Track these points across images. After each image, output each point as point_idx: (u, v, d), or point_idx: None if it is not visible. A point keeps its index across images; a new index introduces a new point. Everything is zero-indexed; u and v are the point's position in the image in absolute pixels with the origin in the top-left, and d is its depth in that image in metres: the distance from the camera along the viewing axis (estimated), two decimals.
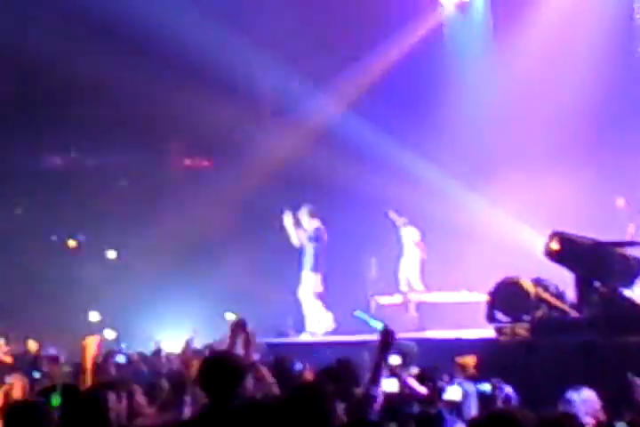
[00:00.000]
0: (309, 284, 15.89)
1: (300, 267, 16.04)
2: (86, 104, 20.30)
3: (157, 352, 14.33)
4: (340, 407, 5.26)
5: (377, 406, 7.00)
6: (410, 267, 17.48)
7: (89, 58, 18.60)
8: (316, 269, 15.88)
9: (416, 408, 7.87)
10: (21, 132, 19.76)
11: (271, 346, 13.40)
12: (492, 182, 18.00)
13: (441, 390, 8.37)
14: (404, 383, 8.29)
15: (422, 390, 8.63)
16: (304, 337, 15.77)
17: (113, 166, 21.97)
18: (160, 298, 19.68)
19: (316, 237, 15.87)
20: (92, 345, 8.15)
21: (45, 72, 18.89)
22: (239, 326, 7.86)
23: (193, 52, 18.13)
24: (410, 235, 17.16)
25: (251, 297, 18.28)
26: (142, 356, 13.89)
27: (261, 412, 5.17)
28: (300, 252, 16.10)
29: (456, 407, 7.87)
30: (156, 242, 19.53)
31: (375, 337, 12.03)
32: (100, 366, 10.50)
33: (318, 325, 15.79)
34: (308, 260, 15.90)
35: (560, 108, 18.38)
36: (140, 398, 8.03)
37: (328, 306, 15.92)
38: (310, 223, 15.96)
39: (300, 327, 16.20)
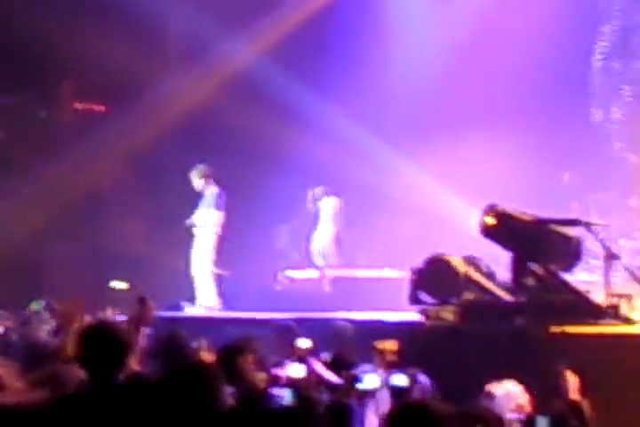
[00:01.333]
0: (205, 254, 16.06)
1: None
2: None
3: (27, 321, 14.31)
4: (228, 391, 5.27)
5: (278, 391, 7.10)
6: (326, 239, 17.56)
7: None
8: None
9: (326, 397, 7.91)
10: None
11: (165, 320, 13.38)
12: (426, 149, 18.06)
13: (355, 379, 8.43)
14: (311, 370, 8.35)
15: (333, 377, 8.71)
16: (200, 311, 15.78)
17: (14, 105, 21.66)
18: (32, 263, 19.46)
19: (216, 204, 15.91)
20: None
21: None
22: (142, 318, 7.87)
23: None
24: (329, 205, 17.20)
25: (143, 263, 18.20)
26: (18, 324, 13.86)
27: (145, 393, 5.19)
28: None
29: (371, 398, 7.94)
30: (34, 196, 19.32)
31: (282, 316, 12.25)
32: None
33: (211, 298, 15.92)
34: (206, 227, 16.01)
35: (503, 71, 18.56)
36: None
37: (231, 279, 16.02)
38: (205, 187, 16.03)
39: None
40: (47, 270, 19.09)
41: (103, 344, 5.52)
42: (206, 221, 15.94)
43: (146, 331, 9.36)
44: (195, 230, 16.00)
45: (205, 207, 15.94)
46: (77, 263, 19.14)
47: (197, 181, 16.05)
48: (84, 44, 18.81)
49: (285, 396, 7.41)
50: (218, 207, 15.89)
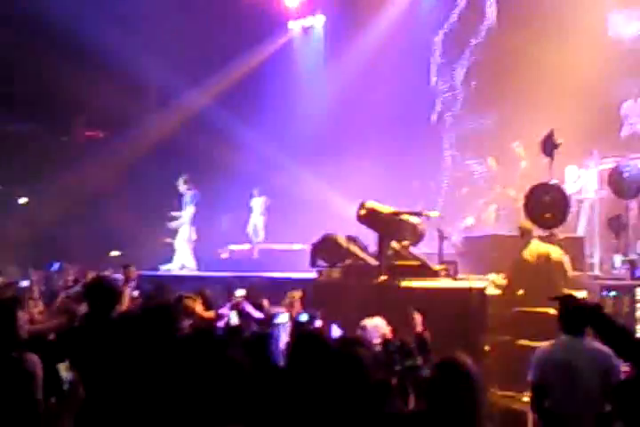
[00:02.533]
0: (185, 233, 16.27)
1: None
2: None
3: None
4: (186, 323, 5.40)
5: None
6: (257, 223, 17.70)
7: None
8: (192, 223, 16.31)
9: (254, 328, 8.03)
10: None
11: (147, 276, 13.51)
12: (323, 165, 18.12)
13: (273, 316, 8.54)
14: (243, 310, 8.44)
15: (258, 314, 8.80)
16: (174, 270, 16.05)
17: (26, 133, 21.40)
18: (56, 237, 19.41)
19: (192, 201, 16.23)
20: None
21: None
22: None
23: (96, 47, 17.45)
24: (259, 201, 17.41)
25: (132, 240, 18.14)
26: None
27: (130, 322, 5.27)
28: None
29: (283, 328, 8.06)
30: (58, 195, 19.20)
31: (226, 274, 12.26)
32: None
33: (187, 263, 16.20)
34: (186, 216, 16.22)
35: (373, 109, 18.59)
36: (34, 311, 8.17)
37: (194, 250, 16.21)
38: (186, 189, 16.28)
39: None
40: (66, 242, 18.90)
41: (101, 291, 5.60)
42: (186, 213, 16.21)
43: (131, 284, 9.48)
44: (179, 218, 16.31)
45: (187, 203, 16.26)
46: (87, 238, 19.00)
47: (182, 186, 16.27)
48: (91, 89, 18.73)
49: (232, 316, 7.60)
50: (193, 204, 16.21)
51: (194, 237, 16.39)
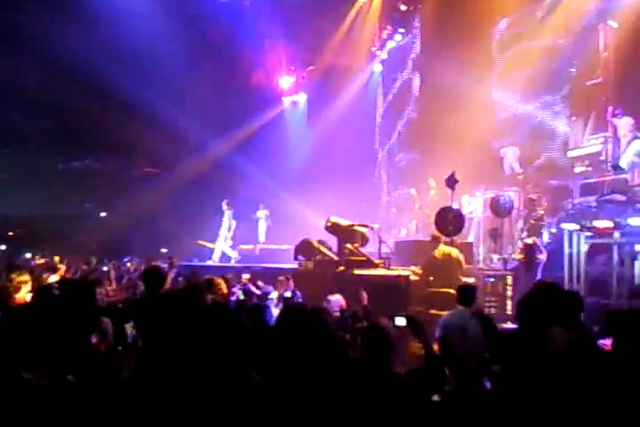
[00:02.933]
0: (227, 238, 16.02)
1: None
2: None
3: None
4: (209, 298, 5.39)
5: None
6: (260, 230, 17.57)
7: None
8: (229, 230, 16.12)
9: (255, 301, 7.97)
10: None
11: (186, 266, 13.40)
12: (301, 192, 18.01)
13: (267, 293, 8.50)
14: (248, 289, 8.40)
15: (258, 291, 8.75)
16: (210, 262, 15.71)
17: (106, 170, 21.32)
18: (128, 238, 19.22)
19: (231, 216, 16.06)
20: None
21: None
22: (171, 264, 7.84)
23: (152, 107, 17.12)
24: (263, 213, 17.28)
25: (175, 241, 18.00)
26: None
27: (171, 296, 5.26)
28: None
29: (274, 303, 8.02)
30: (126, 211, 19.09)
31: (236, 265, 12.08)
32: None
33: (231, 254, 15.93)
34: (225, 227, 16.06)
35: (337, 154, 18.63)
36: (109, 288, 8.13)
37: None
38: (227, 209, 16.06)
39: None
40: (132, 243, 18.80)
41: (152, 275, 5.60)
42: (225, 225, 16.04)
43: (174, 271, 9.42)
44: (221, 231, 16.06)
45: (227, 220, 16.03)
46: (145, 240, 18.82)
47: (225, 206, 16.04)
48: (148, 138, 18.59)
49: (240, 293, 7.54)
50: (231, 218, 16.06)
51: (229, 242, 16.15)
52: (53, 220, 18.05)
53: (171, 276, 8.10)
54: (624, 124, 11.34)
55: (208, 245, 16.49)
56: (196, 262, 15.87)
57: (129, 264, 15.54)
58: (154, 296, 5.41)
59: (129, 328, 5.80)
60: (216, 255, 15.93)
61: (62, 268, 10.16)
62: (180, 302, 4.83)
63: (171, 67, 17.54)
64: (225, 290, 8.12)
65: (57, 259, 14.08)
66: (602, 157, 12.64)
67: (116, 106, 17.47)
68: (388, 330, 3.60)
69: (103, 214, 21.07)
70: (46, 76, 16.32)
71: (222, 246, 15.99)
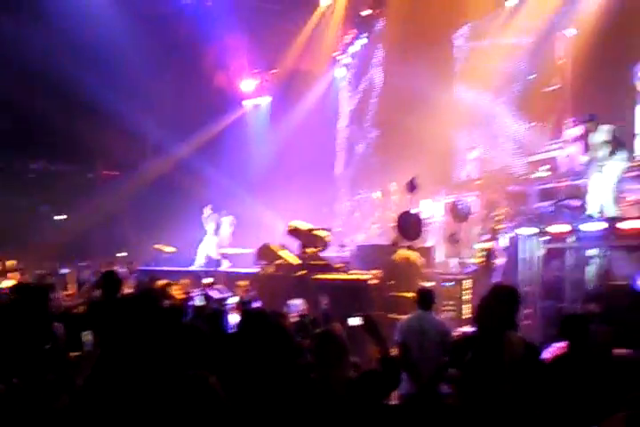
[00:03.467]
0: (212, 241, 15.71)
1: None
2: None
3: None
4: (166, 303, 5.32)
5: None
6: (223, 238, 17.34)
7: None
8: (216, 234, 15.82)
9: (214, 305, 7.89)
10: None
11: (143, 270, 13.18)
12: (265, 196, 17.92)
13: (226, 298, 8.43)
14: (207, 294, 8.32)
15: (218, 296, 8.68)
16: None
17: (65, 172, 20.93)
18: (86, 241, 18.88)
19: (216, 220, 15.88)
20: None
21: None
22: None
23: (115, 111, 16.84)
24: (229, 220, 17.03)
25: (133, 245, 17.77)
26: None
27: (125, 301, 5.18)
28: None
29: (233, 308, 7.96)
30: (84, 214, 18.71)
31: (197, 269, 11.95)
32: None
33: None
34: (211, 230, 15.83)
35: (299, 158, 18.54)
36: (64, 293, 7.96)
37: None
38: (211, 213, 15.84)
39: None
40: (90, 246, 18.41)
41: (109, 278, 5.51)
42: (210, 228, 15.81)
43: (133, 275, 9.30)
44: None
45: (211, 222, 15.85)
46: (103, 243, 18.46)
47: (208, 211, 15.82)
48: (109, 141, 18.13)
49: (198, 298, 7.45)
50: (215, 222, 15.90)
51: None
52: (7, 222, 17.60)
53: (130, 280, 8.01)
54: (569, 134, 11.68)
55: (165, 249, 16.23)
56: (154, 267, 15.61)
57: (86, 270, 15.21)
58: (110, 301, 5.32)
59: (87, 335, 5.69)
60: (200, 259, 15.46)
61: (16, 272, 9.92)
62: (136, 306, 4.76)
63: (132, 68, 17.27)
64: (182, 295, 8.07)
65: (10, 263, 13.75)
66: (559, 163, 12.91)
67: (75, 107, 17.13)
68: (340, 335, 3.62)
69: (60, 217, 20.65)
70: (2, 75, 15.88)
71: (210, 252, 15.58)
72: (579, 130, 11.42)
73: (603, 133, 8.62)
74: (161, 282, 8.22)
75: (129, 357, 4.34)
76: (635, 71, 10.39)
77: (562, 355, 4.61)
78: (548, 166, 13.12)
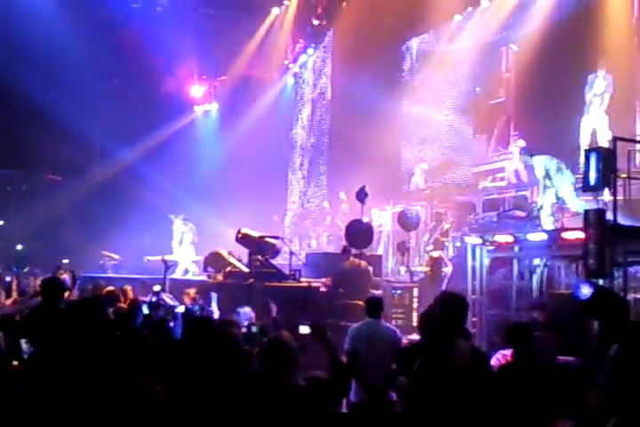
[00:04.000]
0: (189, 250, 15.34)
1: None
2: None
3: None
4: (110, 312, 5.12)
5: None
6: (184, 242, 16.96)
7: None
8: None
9: (161, 313, 7.72)
10: None
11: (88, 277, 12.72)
12: (216, 204, 17.69)
13: (174, 307, 8.25)
14: (161, 299, 8.12)
15: (170, 302, 8.49)
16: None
17: (6, 177, 20.30)
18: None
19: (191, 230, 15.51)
20: None
21: None
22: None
23: (61, 116, 16.35)
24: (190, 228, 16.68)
25: (77, 251, 17.22)
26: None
27: (67, 309, 5.03)
28: None
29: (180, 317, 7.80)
30: (27, 220, 18.19)
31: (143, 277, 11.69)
32: None
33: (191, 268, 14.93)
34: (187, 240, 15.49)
35: (248, 165, 18.60)
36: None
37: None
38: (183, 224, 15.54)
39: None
40: (31, 252, 17.82)
41: (51, 286, 5.35)
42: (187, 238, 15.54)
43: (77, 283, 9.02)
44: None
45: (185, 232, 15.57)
46: (46, 250, 17.77)
47: (180, 220, 15.56)
48: (55, 146, 17.66)
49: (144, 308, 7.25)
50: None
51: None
52: None
53: (73, 288, 7.77)
54: (514, 148, 12.05)
55: (113, 255, 15.88)
56: (98, 274, 15.22)
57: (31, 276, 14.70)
58: (51, 309, 5.15)
59: (24, 343, 5.50)
60: (181, 267, 14.89)
61: None
62: (77, 314, 4.61)
63: (78, 72, 16.93)
64: (122, 304, 7.85)
65: None
66: (502, 174, 13.23)
67: (19, 111, 16.74)
68: (289, 343, 3.59)
69: (0, 222, 20.00)
70: None
71: (183, 259, 15.05)
72: (522, 143, 11.78)
73: (540, 166, 8.90)
74: (107, 289, 8.01)
75: (68, 366, 4.21)
76: (586, 81, 10.74)
77: (507, 363, 4.68)
78: (491, 177, 13.46)
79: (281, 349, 3.54)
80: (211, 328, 4.00)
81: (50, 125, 16.80)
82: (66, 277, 10.51)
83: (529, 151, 9.58)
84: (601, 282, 6.26)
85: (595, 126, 10.69)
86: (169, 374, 3.76)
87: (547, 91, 12.38)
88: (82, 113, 17.07)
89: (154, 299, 8.13)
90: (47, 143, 17.61)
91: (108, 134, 18.45)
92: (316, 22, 19.08)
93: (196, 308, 8.24)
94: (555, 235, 7.91)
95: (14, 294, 9.33)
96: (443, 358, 3.97)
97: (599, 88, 10.66)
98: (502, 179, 13.05)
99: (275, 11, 19.15)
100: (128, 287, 8.76)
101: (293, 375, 3.53)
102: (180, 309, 7.71)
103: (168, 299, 8.61)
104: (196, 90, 21.45)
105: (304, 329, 4.04)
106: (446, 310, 4.20)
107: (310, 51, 19.89)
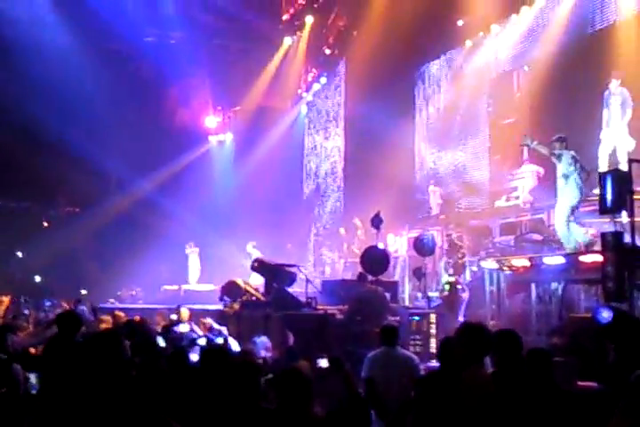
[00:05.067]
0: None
1: None
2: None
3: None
4: (127, 344, 5.04)
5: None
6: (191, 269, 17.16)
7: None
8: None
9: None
10: None
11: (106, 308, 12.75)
12: (228, 230, 17.79)
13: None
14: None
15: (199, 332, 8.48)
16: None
17: (30, 209, 20.60)
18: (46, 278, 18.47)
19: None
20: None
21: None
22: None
23: (76, 149, 16.61)
24: (194, 252, 16.83)
25: (95, 282, 17.38)
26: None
27: (85, 345, 4.98)
28: None
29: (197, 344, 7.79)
30: (45, 250, 18.35)
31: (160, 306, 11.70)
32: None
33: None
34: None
35: (263, 194, 18.64)
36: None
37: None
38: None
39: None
40: (50, 282, 17.99)
41: (68, 319, 5.32)
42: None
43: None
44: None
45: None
46: (65, 280, 17.88)
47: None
48: (71, 178, 18.01)
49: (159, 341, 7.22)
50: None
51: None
52: None
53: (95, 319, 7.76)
54: (528, 170, 12.03)
55: (132, 293, 15.97)
56: (114, 305, 15.28)
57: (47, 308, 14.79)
58: (67, 343, 5.12)
59: (33, 378, 5.46)
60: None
61: None
62: (95, 348, 4.58)
63: (94, 104, 17.21)
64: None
65: None
66: (517, 193, 13.16)
67: (37, 143, 16.98)
68: (306, 373, 3.55)
69: (20, 254, 20.20)
70: None
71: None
72: (535, 166, 11.74)
73: (568, 156, 8.77)
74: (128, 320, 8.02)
75: (85, 402, 4.18)
76: (602, 98, 10.72)
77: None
78: (506, 197, 13.38)
79: (297, 378, 3.52)
80: (230, 358, 3.97)
81: (66, 157, 17.02)
82: (84, 309, 10.61)
83: (530, 138, 9.44)
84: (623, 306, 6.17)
85: (615, 142, 10.56)
86: (186, 404, 3.74)
87: (560, 110, 12.41)
88: (98, 144, 17.30)
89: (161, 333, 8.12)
90: (64, 175, 17.89)
91: (123, 165, 18.61)
92: (327, 51, 19.35)
93: (216, 338, 8.22)
94: (572, 258, 7.84)
95: (30, 327, 9.37)
96: (451, 388, 3.89)
97: (616, 102, 10.60)
98: (517, 198, 12.99)
99: (287, 41, 19.45)
100: (136, 318, 8.77)
101: (310, 405, 3.50)
102: (202, 341, 7.71)
103: (198, 328, 8.62)
104: (211, 120, 21.75)
105: (323, 363, 4.01)
106: (463, 340, 4.13)
107: (323, 79, 20.13)
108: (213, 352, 4.62)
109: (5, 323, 8.52)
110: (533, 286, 8.51)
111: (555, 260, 7.93)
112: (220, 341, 8.12)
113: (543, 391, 3.93)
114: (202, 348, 7.30)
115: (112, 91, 17.06)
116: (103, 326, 8.14)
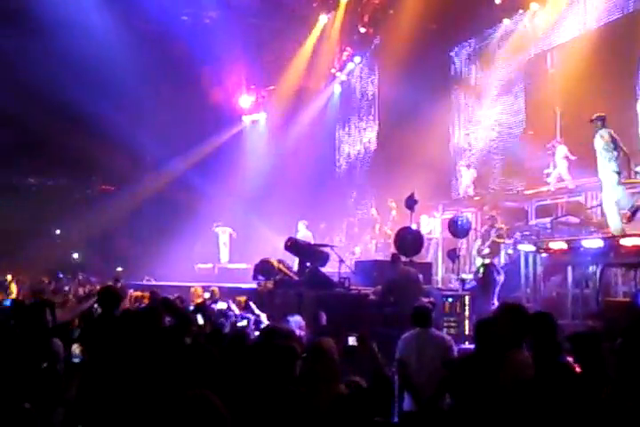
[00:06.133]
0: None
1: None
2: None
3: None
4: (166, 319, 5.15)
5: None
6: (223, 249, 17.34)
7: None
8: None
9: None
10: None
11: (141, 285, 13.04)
12: (262, 209, 17.84)
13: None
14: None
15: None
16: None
17: (62, 187, 20.92)
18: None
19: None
20: None
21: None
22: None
23: (111, 127, 16.85)
24: (225, 232, 16.99)
25: (132, 259, 17.67)
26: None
27: (126, 318, 5.09)
28: None
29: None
30: (82, 228, 18.71)
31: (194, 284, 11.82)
32: None
33: None
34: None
35: (296, 172, 18.72)
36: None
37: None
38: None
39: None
40: (88, 259, 18.35)
41: (108, 294, 5.43)
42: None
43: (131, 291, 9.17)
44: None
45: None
46: (102, 257, 18.47)
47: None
48: (106, 157, 18.29)
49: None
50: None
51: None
52: (5, 236, 17.55)
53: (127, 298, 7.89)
54: (559, 151, 11.77)
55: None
56: (150, 282, 15.54)
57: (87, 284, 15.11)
58: (108, 317, 5.25)
59: (76, 348, 5.60)
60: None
61: (14, 287, 9.83)
62: (137, 323, 4.67)
63: (130, 84, 17.28)
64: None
65: (9, 277, 13.66)
66: (547, 170, 12.94)
67: (73, 122, 17.15)
68: (330, 350, 3.56)
69: (57, 231, 20.63)
70: (3, 91, 15.90)
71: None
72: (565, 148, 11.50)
73: (605, 134, 8.53)
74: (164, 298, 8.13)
75: (125, 374, 4.27)
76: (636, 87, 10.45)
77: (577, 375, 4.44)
78: (546, 175, 13.15)
79: (321, 355, 3.52)
80: (275, 343, 3.98)
81: (102, 137, 17.22)
82: (120, 284, 10.80)
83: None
84: None
85: None
86: (228, 384, 3.77)
87: (595, 87, 12.13)
88: (132, 124, 17.50)
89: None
90: (100, 154, 18.12)
91: (158, 145, 18.76)
92: (362, 30, 19.08)
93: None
94: (612, 241, 7.69)
95: (71, 302, 9.57)
96: (491, 371, 3.85)
97: None
98: (548, 175, 12.77)
99: (322, 19, 19.22)
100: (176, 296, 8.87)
101: (334, 382, 3.50)
102: (243, 323, 7.79)
103: (234, 306, 8.70)
104: (245, 100, 21.72)
105: (352, 341, 4.02)
106: (505, 320, 4.07)
107: (357, 59, 19.90)
108: (272, 332, 4.64)
109: (46, 298, 8.72)
110: (570, 269, 8.39)
111: (593, 243, 7.80)
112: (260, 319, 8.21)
113: (594, 378, 3.78)
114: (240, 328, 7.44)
115: (148, 70, 17.12)
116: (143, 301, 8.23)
